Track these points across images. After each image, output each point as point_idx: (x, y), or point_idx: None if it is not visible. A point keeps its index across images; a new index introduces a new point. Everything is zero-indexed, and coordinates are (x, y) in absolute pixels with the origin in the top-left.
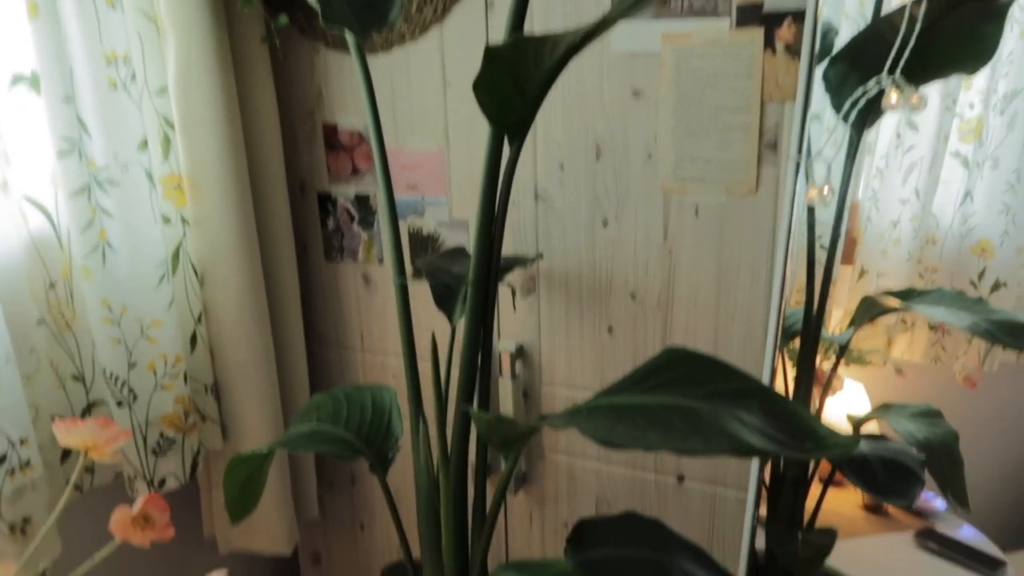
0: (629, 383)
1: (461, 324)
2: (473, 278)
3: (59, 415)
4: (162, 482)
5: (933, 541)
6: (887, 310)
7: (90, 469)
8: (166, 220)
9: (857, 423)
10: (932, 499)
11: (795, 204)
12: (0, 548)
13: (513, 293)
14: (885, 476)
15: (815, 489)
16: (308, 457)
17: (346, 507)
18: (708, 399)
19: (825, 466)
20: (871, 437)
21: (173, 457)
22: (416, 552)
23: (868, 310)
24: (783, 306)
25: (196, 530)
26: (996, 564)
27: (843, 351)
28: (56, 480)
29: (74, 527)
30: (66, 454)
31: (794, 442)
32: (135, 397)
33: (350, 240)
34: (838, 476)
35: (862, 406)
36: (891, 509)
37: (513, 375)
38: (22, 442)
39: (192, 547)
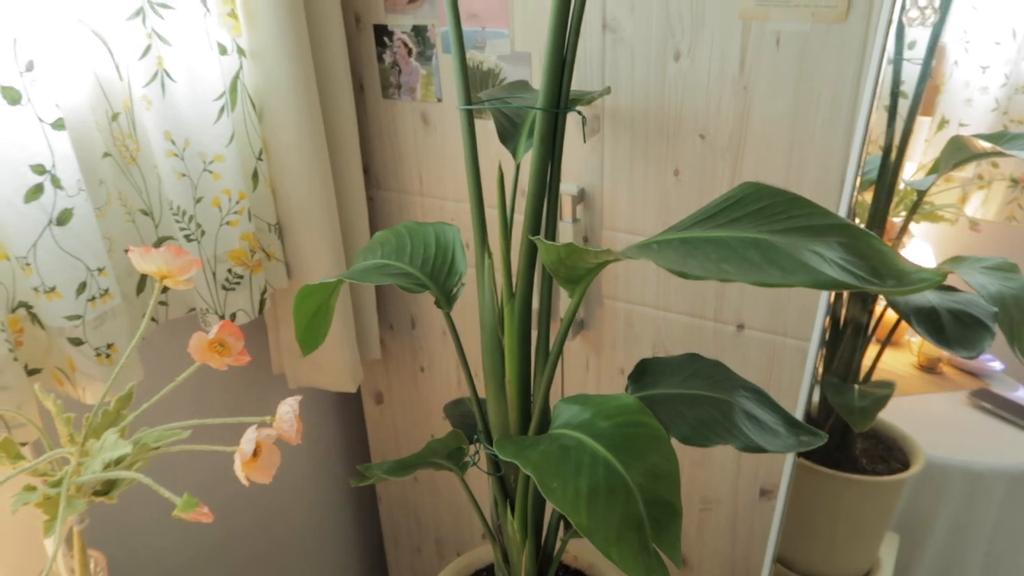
0: (702, 217)
1: (525, 161)
2: (543, 103)
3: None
4: (232, 316)
5: (988, 401)
6: (976, 155)
7: (164, 303)
8: (222, 50)
9: None
10: (989, 361)
11: (889, 33)
12: (89, 371)
13: (583, 120)
14: (953, 327)
15: (871, 350)
16: (370, 299)
17: (407, 350)
18: (786, 234)
19: (883, 326)
20: (941, 288)
21: (242, 293)
22: (479, 389)
23: (956, 152)
24: (867, 140)
25: (267, 368)
26: None
27: (918, 202)
28: (134, 311)
29: (155, 356)
30: (141, 287)
31: (877, 278)
32: (203, 232)
33: (408, 76)
34: (895, 337)
35: (928, 263)
36: (945, 369)
37: (574, 219)
38: (100, 271)
39: (264, 382)
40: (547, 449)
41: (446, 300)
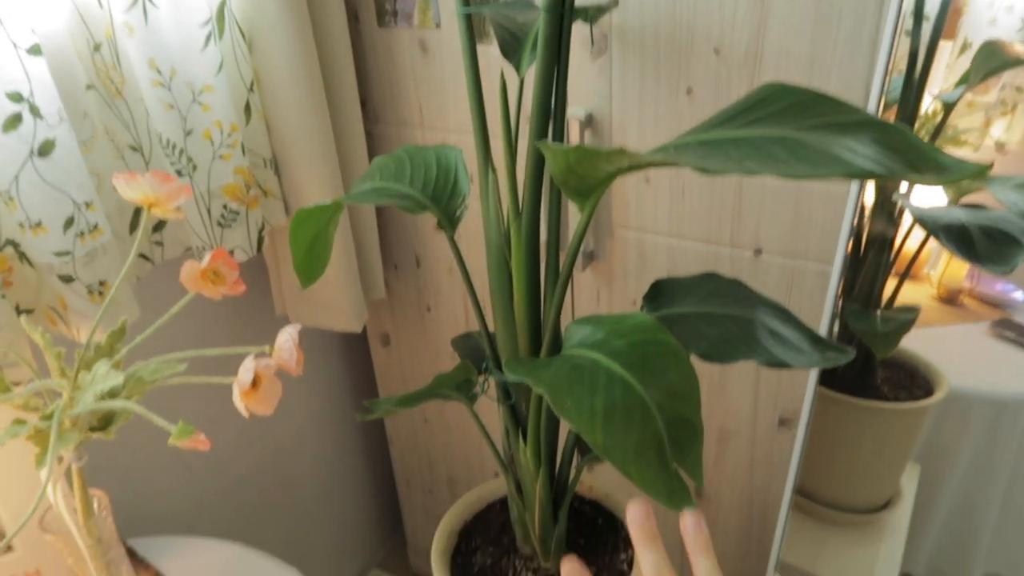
0: (722, 120)
1: (529, 80)
2: (546, 4)
3: None
4: (230, 254)
5: (1010, 330)
6: (1010, 62)
7: (160, 243)
8: None
9: (958, 193)
10: (1011, 291)
11: None
12: (81, 309)
13: (591, 32)
14: (984, 243)
15: (889, 283)
16: (372, 237)
17: (412, 289)
18: (813, 131)
19: (902, 259)
20: (969, 206)
21: (239, 229)
22: (487, 320)
23: (988, 58)
24: (894, 54)
25: (269, 310)
26: None
27: (942, 123)
28: (127, 250)
29: (152, 298)
30: (134, 224)
31: (914, 170)
32: (194, 167)
33: (404, 1)
34: (913, 270)
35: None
36: (966, 301)
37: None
38: (87, 205)
39: (267, 325)
40: (560, 369)
41: (449, 222)
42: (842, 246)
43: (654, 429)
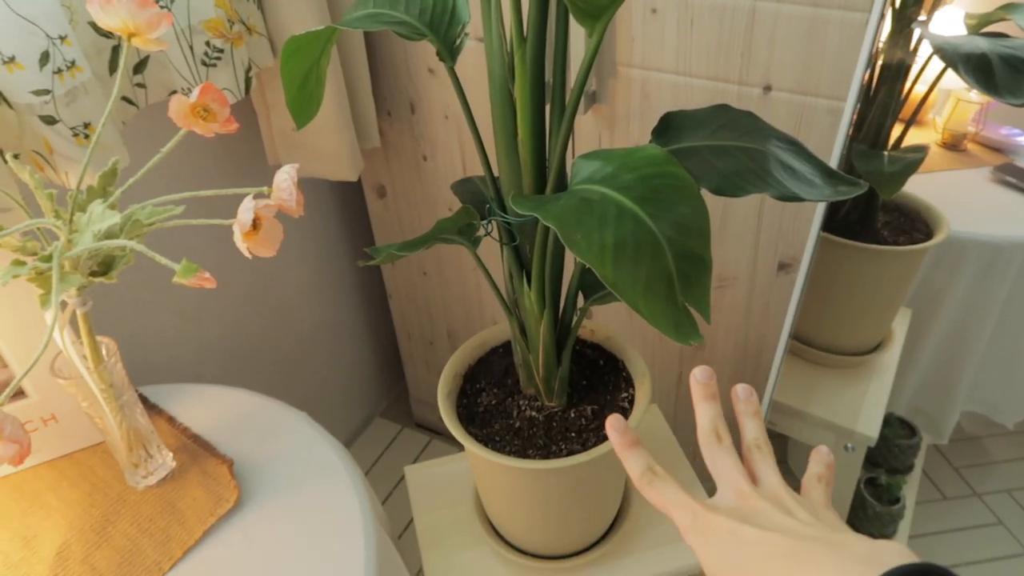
0: None
1: None
2: None
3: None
4: None
5: (1012, 175)
6: None
7: (142, 85)
8: None
9: (979, 22)
10: (1016, 135)
11: None
12: (68, 153)
13: None
14: (1004, 73)
15: (895, 129)
16: (365, 82)
17: (407, 138)
18: None
19: (908, 104)
20: (990, 35)
21: (224, 69)
22: (490, 159)
23: None
24: None
25: (262, 159)
26: None
27: None
28: (110, 93)
29: (140, 143)
30: (114, 65)
31: None
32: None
33: None
34: (920, 116)
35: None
36: (969, 147)
37: None
38: (62, 39)
39: (261, 174)
40: (568, 203)
41: (448, 52)
42: (857, 79)
43: (664, 264)
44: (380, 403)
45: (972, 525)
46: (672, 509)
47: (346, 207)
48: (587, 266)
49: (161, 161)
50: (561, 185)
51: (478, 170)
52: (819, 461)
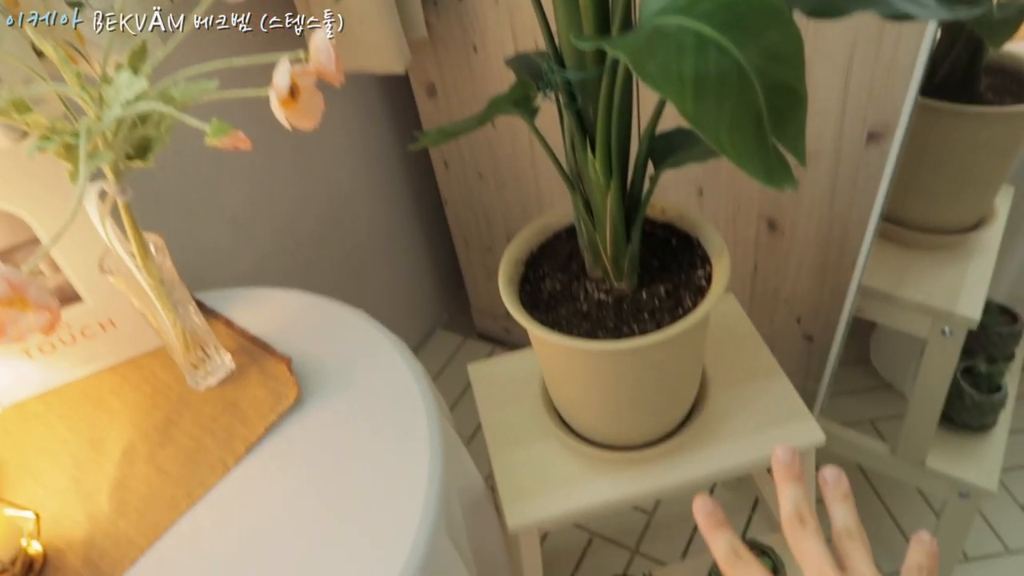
0: None
1: None
2: None
3: None
4: None
5: None
6: None
7: None
8: None
9: None
10: None
11: None
12: (96, 38)
13: None
14: None
15: None
16: None
17: (455, 27)
18: None
19: None
20: None
21: None
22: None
23: None
24: None
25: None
26: None
27: None
28: None
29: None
30: None
31: None
32: None
33: None
34: None
35: None
36: None
37: None
38: None
39: None
40: (639, 35)
41: None
42: None
43: (751, 97)
44: (441, 315)
45: None
46: None
47: (396, 111)
48: (655, 132)
49: (189, 40)
50: (627, 25)
51: None
52: (920, 551)
